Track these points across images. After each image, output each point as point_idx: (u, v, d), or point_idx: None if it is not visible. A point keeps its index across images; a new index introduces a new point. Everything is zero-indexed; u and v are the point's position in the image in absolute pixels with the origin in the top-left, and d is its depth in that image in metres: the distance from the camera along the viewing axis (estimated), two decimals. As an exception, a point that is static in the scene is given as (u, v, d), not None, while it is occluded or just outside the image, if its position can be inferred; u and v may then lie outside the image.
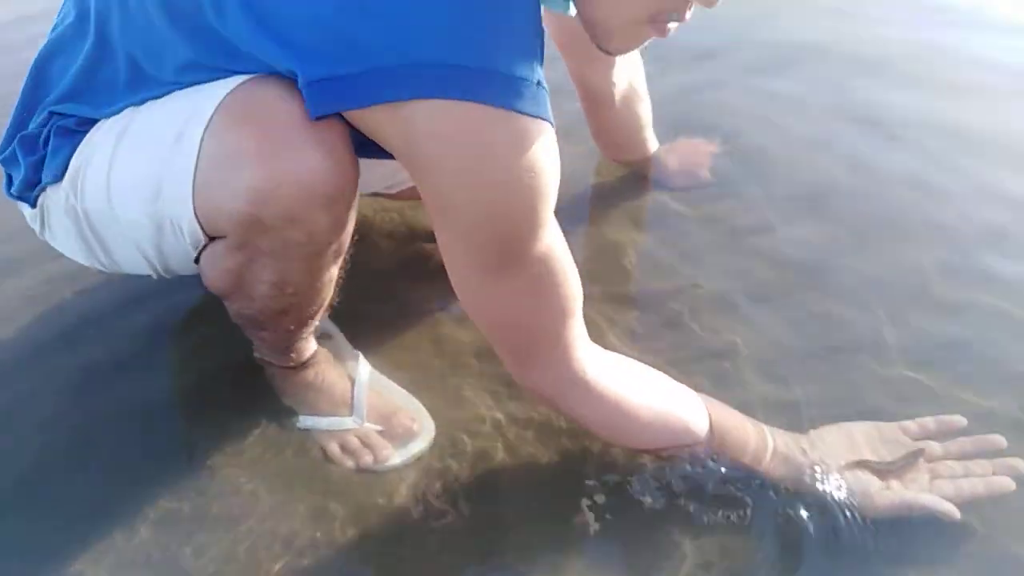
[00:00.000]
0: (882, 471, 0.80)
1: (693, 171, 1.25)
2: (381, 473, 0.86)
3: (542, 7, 0.65)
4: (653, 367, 0.82)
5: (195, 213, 0.69)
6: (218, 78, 0.68)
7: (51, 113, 0.76)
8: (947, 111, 1.38)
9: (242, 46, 0.64)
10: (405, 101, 0.59)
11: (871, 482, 0.80)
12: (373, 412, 0.90)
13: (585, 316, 0.76)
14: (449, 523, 0.81)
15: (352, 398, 0.91)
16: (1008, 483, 0.79)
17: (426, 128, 0.60)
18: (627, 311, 1.03)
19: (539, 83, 0.62)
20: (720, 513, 0.80)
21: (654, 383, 0.82)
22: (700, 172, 1.26)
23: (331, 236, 0.72)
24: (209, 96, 0.67)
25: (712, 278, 1.06)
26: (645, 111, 1.21)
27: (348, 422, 0.89)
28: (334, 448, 0.88)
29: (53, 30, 0.79)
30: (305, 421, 0.90)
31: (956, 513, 0.77)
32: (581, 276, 0.74)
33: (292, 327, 0.85)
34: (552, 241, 0.69)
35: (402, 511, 0.82)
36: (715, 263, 1.09)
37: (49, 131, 0.76)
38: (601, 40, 0.69)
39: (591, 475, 0.84)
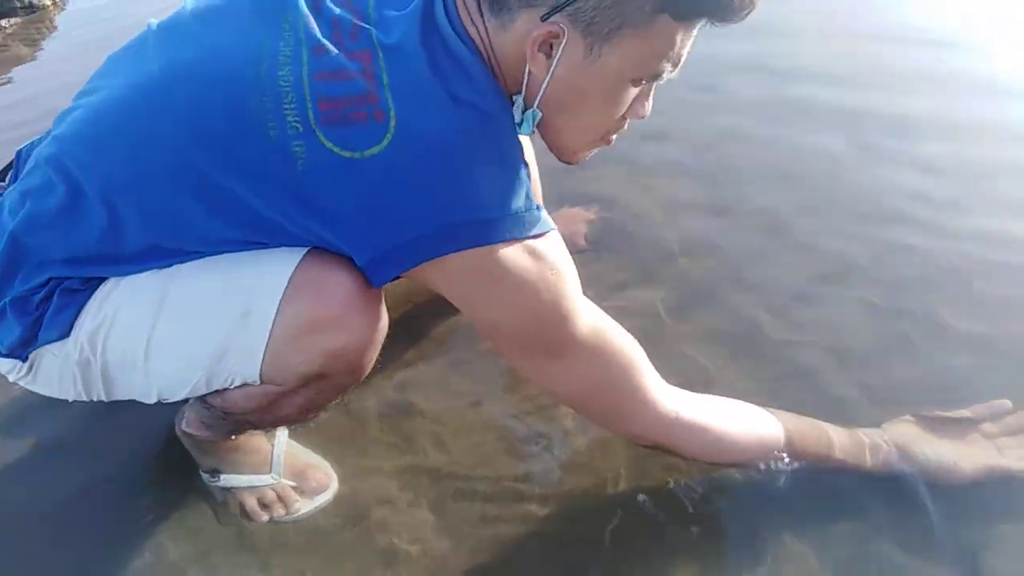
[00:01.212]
0: (956, 447, 0.93)
1: (573, 239, 1.42)
2: (292, 522, 0.99)
3: None
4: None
5: (261, 370, 0.82)
6: (248, 248, 0.80)
7: (50, 278, 0.83)
8: (792, 174, 1.59)
9: (289, 227, 0.77)
10: (443, 256, 0.75)
11: (951, 455, 0.94)
12: (288, 469, 1.03)
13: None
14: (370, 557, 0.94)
15: (271, 458, 1.04)
16: None
17: (461, 272, 0.77)
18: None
19: (537, 206, 0.79)
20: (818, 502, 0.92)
21: (727, 406, 0.96)
22: (579, 239, 1.43)
23: (368, 369, 0.88)
24: (269, 274, 0.79)
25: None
26: (536, 187, 1.36)
27: (267, 479, 1.02)
28: (252, 504, 1.01)
29: (22, 199, 0.84)
30: (228, 480, 1.02)
31: None
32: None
33: (282, 426, 1.00)
34: (590, 319, 0.84)
35: (313, 550, 0.96)
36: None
37: (49, 291, 0.83)
38: (565, 157, 0.89)
39: (490, 508, 0.98)
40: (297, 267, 0.79)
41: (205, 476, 1.03)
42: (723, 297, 1.27)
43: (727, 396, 0.98)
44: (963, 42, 2.07)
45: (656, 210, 1.50)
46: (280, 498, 1.01)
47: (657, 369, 0.89)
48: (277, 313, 0.78)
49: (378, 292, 0.83)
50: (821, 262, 1.33)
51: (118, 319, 0.82)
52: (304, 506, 1.00)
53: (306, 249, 0.80)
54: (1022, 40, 2.06)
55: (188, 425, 0.99)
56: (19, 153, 0.92)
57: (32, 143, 0.91)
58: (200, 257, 0.81)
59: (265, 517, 1.00)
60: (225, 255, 0.81)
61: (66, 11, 3.47)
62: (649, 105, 0.84)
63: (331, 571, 0.93)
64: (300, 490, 1.02)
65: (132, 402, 0.99)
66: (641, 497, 0.97)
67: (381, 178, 0.72)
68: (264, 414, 0.89)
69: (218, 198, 0.77)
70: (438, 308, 1.27)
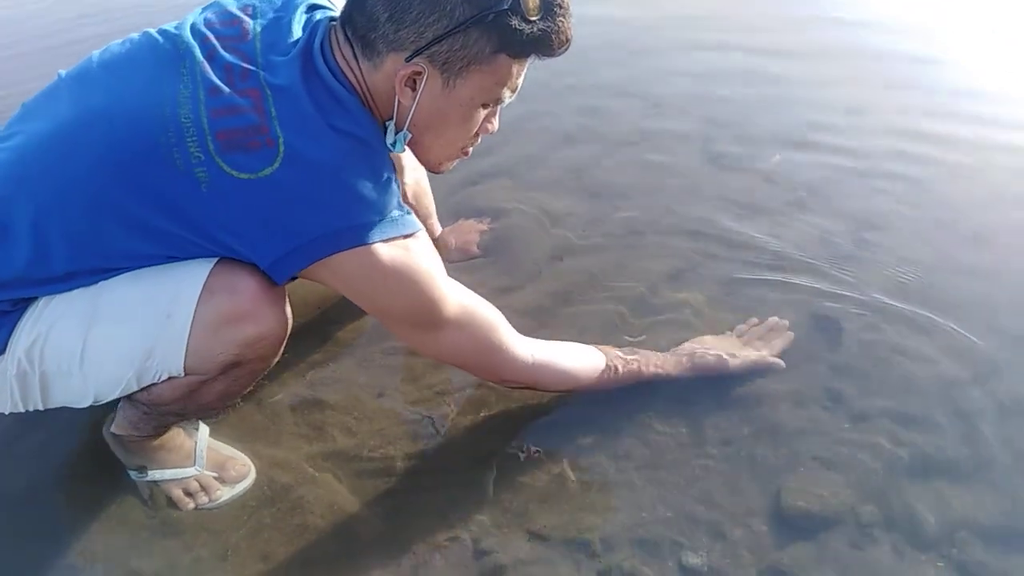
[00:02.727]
0: (725, 351, 1.28)
1: (466, 248, 1.59)
2: (215, 508, 1.12)
3: None
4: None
5: (184, 363, 0.96)
6: (165, 262, 0.94)
7: None
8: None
9: (198, 240, 0.91)
10: (329, 256, 0.91)
11: (724, 355, 1.27)
12: (210, 462, 1.17)
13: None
14: (288, 533, 1.08)
15: (195, 452, 1.17)
16: (790, 335, 1.33)
17: (348, 269, 0.94)
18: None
19: (407, 211, 0.97)
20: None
21: (567, 346, 1.20)
22: (471, 248, 1.60)
23: (276, 358, 1.04)
24: (185, 281, 0.93)
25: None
26: (430, 204, 1.54)
27: (191, 471, 1.15)
28: (178, 493, 1.14)
29: None
30: (153, 474, 1.14)
31: (781, 363, 1.28)
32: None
33: (200, 416, 1.13)
34: (459, 296, 1.04)
35: (235, 530, 1.09)
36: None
37: None
38: (432, 168, 1.08)
39: (391, 484, 1.14)
40: (210, 273, 0.93)
41: (132, 473, 1.15)
42: (591, 297, 1.47)
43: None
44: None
45: (538, 221, 1.69)
46: (203, 487, 1.14)
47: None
48: (195, 312, 0.93)
49: (282, 290, 0.99)
50: (671, 263, 1.54)
51: (52, 332, 0.95)
52: (225, 493, 1.14)
53: (216, 259, 0.94)
54: None
55: (116, 427, 1.11)
56: None
57: None
58: (122, 272, 0.94)
59: (191, 504, 1.13)
60: (146, 269, 0.94)
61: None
62: (496, 123, 1.05)
63: (252, 546, 1.07)
64: (221, 480, 1.15)
65: (57, 411, 1.10)
66: (511, 450, 1.17)
67: (274, 194, 0.88)
68: (188, 402, 1.03)
69: (132, 222, 0.90)
70: (344, 313, 1.44)
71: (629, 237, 1.63)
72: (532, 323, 1.39)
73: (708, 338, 1.32)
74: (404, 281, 0.96)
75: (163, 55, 0.93)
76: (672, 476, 1.12)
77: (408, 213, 0.97)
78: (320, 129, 0.89)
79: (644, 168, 1.87)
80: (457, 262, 1.57)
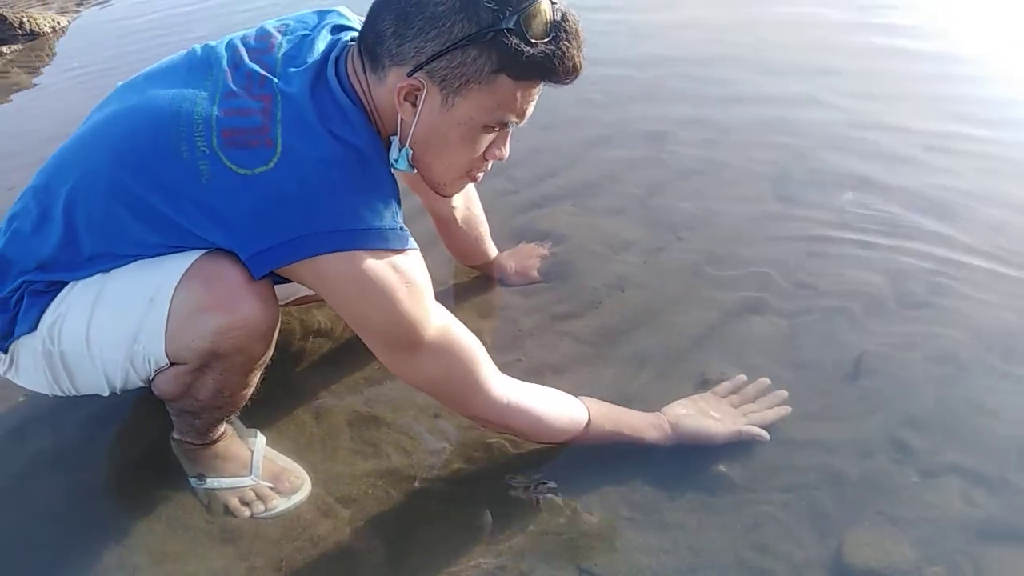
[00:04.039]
0: (712, 418, 1.21)
1: (526, 272, 1.59)
2: (270, 518, 1.14)
3: (393, 170, 1.01)
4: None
5: (165, 350, 0.99)
6: (169, 252, 0.97)
7: (23, 281, 1.02)
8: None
9: (195, 231, 0.94)
10: (315, 256, 0.93)
11: (708, 425, 1.19)
12: (266, 472, 1.19)
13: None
14: (341, 547, 1.09)
15: (251, 462, 1.20)
16: (786, 409, 1.24)
17: (331, 273, 0.95)
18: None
19: (401, 227, 0.98)
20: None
21: (546, 393, 1.15)
22: (531, 272, 1.59)
23: (264, 354, 1.06)
24: (171, 269, 0.97)
25: (531, 353, 1.40)
26: (482, 225, 1.53)
27: (247, 480, 1.18)
28: (234, 502, 1.16)
29: (9, 223, 1.05)
30: (212, 483, 1.17)
31: (766, 435, 1.19)
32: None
33: (220, 416, 1.15)
34: (441, 322, 1.03)
35: (289, 541, 1.11)
36: (535, 343, 1.42)
37: (22, 293, 1.03)
38: (437, 190, 1.08)
39: (429, 502, 1.15)
40: (193, 262, 0.96)
41: (192, 481, 1.18)
42: (652, 328, 1.45)
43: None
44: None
45: (600, 248, 1.67)
46: (259, 497, 1.16)
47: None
48: (173, 298, 0.96)
49: (264, 284, 0.99)
50: (735, 299, 1.51)
51: (68, 313, 1.01)
52: (281, 504, 1.15)
53: (205, 250, 0.97)
54: None
55: (175, 430, 1.17)
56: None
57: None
58: (134, 260, 0.99)
59: (246, 513, 1.15)
60: (149, 259, 0.98)
61: (67, 35, 3.62)
62: (506, 149, 1.03)
63: (306, 559, 1.08)
64: (277, 491, 1.17)
65: (121, 416, 1.15)
66: (562, 477, 1.15)
67: (266, 191, 0.90)
68: (188, 399, 1.06)
69: (143, 209, 0.95)
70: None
71: (692, 268, 1.60)
72: (589, 352, 1.39)
73: (695, 400, 1.24)
74: (384, 296, 0.95)
75: (195, 64, 1.01)
76: (728, 521, 1.09)
77: (403, 230, 0.98)
78: (319, 134, 0.92)
79: (710, 197, 1.84)
80: (515, 286, 1.57)
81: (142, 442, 1.27)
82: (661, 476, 1.16)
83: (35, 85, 3.05)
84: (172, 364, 1.01)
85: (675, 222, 1.75)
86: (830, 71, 2.45)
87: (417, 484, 1.18)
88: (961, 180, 1.83)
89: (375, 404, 1.32)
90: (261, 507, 1.15)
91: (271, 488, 1.17)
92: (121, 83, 1.08)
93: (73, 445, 1.28)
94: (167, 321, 0.96)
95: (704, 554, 1.05)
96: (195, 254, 0.97)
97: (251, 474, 1.18)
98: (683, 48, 2.72)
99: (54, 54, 3.41)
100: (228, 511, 1.15)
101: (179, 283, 0.95)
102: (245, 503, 1.16)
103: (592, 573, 1.04)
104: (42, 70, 3.21)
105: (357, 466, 1.21)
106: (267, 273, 0.96)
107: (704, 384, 1.31)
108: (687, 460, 1.17)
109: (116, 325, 1.00)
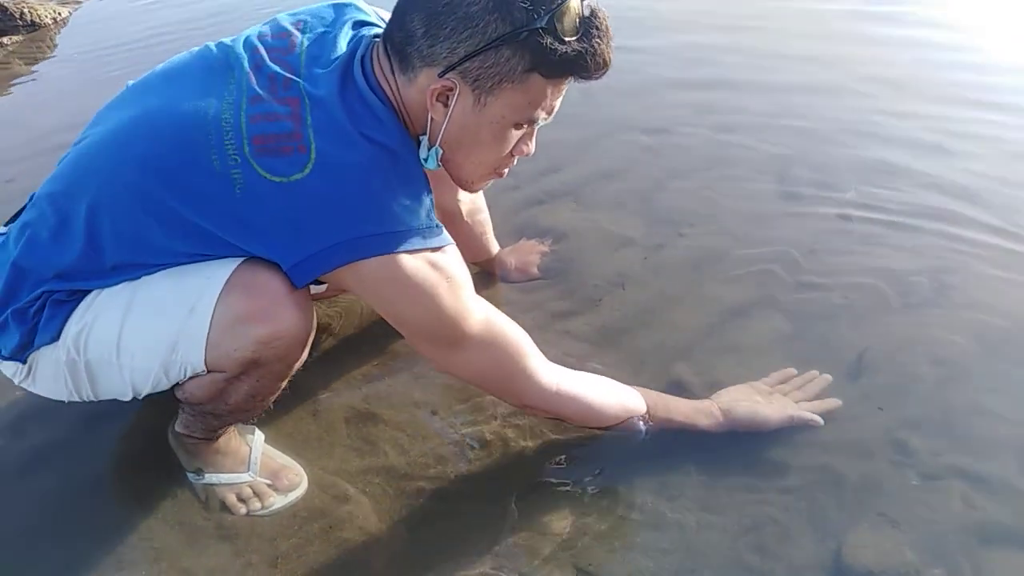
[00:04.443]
0: (763, 404, 1.21)
1: (526, 268, 1.58)
2: (267, 515, 1.14)
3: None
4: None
5: (205, 359, 0.98)
6: (199, 260, 0.97)
7: (43, 291, 1.00)
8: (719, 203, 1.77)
9: (229, 239, 0.94)
10: (355, 262, 0.92)
11: (761, 410, 1.20)
12: (264, 469, 1.19)
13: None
14: (337, 544, 1.09)
15: (249, 459, 1.19)
16: (836, 402, 1.24)
17: (371, 277, 0.95)
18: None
19: (437, 224, 0.98)
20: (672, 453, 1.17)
21: (598, 380, 1.17)
22: (532, 269, 1.59)
23: (300, 360, 1.06)
24: (210, 278, 0.96)
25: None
26: (485, 221, 1.53)
27: (245, 476, 1.17)
28: (231, 498, 1.16)
29: (22, 230, 1.02)
30: (210, 478, 1.17)
31: (820, 420, 1.20)
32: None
33: (245, 418, 1.15)
34: (484, 315, 1.04)
35: (285, 539, 1.10)
36: (534, 340, 1.38)
37: (43, 303, 1.00)
38: (465, 187, 1.08)
39: (425, 502, 1.14)
40: (234, 271, 0.95)
41: (190, 475, 1.17)
42: (652, 326, 1.44)
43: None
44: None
45: (601, 245, 1.66)
46: (256, 494, 1.16)
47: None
48: (215, 308, 0.95)
49: (303, 293, 0.99)
50: (736, 297, 1.50)
51: (96, 322, 1.00)
52: (278, 501, 1.15)
53: (243, 258, 0.96)
54: None
55: (178, 425, 1.16)
56: (30, 196, 1.09)
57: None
58: (162, 269, 0.98)
59: (243, 510, 1.14)
60: (181, 266, 0.98)
61: (68, 26, 3.61)
62: (533, 145, 1.03)
63: (301, 557, 1.08)
64: (274, 487, 1.17)
65: (120, 411, 1.14)
66: (564, 480, 1.14)
67: (303, 198, 0.90)
68: (218, 403, 1.05)
69: (171, 219, 0.94)
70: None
71: (694, 265, 1.59)
72: (589, 350, 1.38)
73: (744, 387, 1.25)
74: (426, 294, 0.96)
75: (215, 65, 0.98)
76: (728, 521, 1.08)
77: (439, 227, 0.98)
78: (352, 137, 0.91)
79: (712, 194, 1.83)
80: (516, 283, 1.56)
81: (138, 436, 1.27)
82: (660, 476, 1.15)
83: (35, 77, 3.03)
84: (208, 372, 1.01)
85: (676, 218, 1.74)
86: (837, 61, 2.45)
87: (414, 482, 1.17)
88: (962, 175, 1.82)
89: (373, 401, 1.31)
90: (258, 504, 1.15)
91: (268, 485, 1.16)
92: (132, 82, 1.05)
93: (69, 439, 1.28)
94: (208, 331, 0.96)
95: (703, 555, 1.04)
96: (232, 263, 0.96)
97: (249, 471, 1.17)
98: (688, 41, 2.71)
99: (55, 45, 3.40)
100: (225, 507, 1.15)
101: (220, 293, 0.95)
102: (242, 500, 1.15)
103: (590, 573, 1.03)
104: (43, 61, 3.20)
105: (354, 463, 1.21)
106: (309, 282, 0.96)
107: (707, 385, 1.30)
108: (686, 460, 1.17)
109: (151, 334, 0.98)
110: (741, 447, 1.18)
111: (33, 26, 3.54)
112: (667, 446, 1.18)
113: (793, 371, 1.30)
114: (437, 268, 0.96)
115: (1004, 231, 1.63)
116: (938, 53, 2.50)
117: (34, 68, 3.12)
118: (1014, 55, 2.49)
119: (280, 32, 1.01)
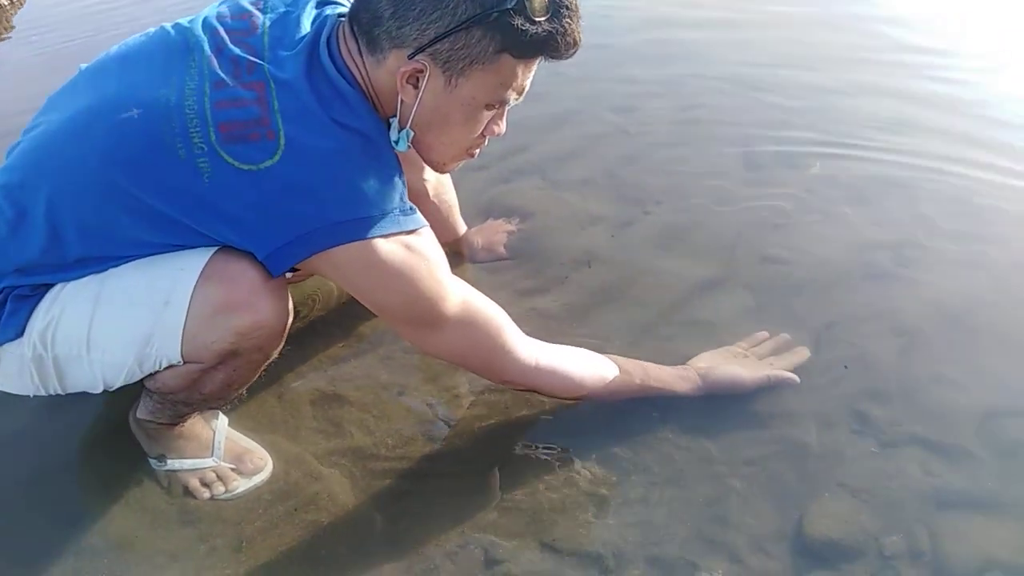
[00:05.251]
0: (739, 367, 1.24)
1: (493, 248, 1.58)
2: (231, 499, 1.13)
3: None
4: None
5: (181, 351, 0.96)
6: (169, 251, 0.95)
7: (4, 287, 0.97)
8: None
9: (200, 229, 0.92)
10: (327, 250, 0.91)
11: (736, 372, 1.23)
12: (228, 454, 1.17)
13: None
14: (302, 527, 1.08)
15: (213, 443, 1.18)
16: (805, 351, 1.28)
17: (348, 262, 0.94)
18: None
19: (411, 207, 0.97)
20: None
21: (574, 352, 1.17)
22: (499, 248, 1.58)
23: (277, 349, 1.04)
24: (184, 269, 0.94)
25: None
26: (452, 201, 1.52)
27: (208, 461, 1.16)
28: (195, 483, 1.14)
29: None
30: (173, 463, 1.15)
31: (796, 378, 1.23)
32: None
33: (216, 406, 1.13)
34: (461, 294, 1.03)
35: (249, 523, 1.10)
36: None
37: (3, 298, 0.97)
38: (436, 168, 1.07)
39: (394, 477, 1.14)
40: (208, 262, 0.94)
41: (152, 462, 1.16)
42: (619, 303, 1.44)
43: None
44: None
45: (567, 223, 1.66)
46: (220, 478, 1.14)
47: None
48: (191, 300, 0.93)
49: (280, 281, 0.98)
50: (703, 271, 1.50)
51: (63, 317, 0.97)
52: (242, 485, 1.14)
53: (216, 248, 0.95)
54: None
55: (140, 412, 1.14)
56: None
57: None
58: (129, 260, 0.96)
59: (207, 494, 1.13)
60: (150, 257, 0.96)
61: (24, 7, 3.51)
62: (504, 125, 1.02)
63: (266, 540, 1.07)
64: (238, 471, 1.15)
65: (81, 399, 1.12)
66: (528, 456, 1.16)
67: (274, 186, 0.88)
68: (192, 392, 1.04)
69: (139, 209, 0.91)
70: (368, 308, 1.42)
71: (660, 242, 1.59)
72: (556, 328, 1.38)
73: (719, 352, 1.28)
74: (402, 278, 0.95)
75: (174, 49, 0.95)
76: (690, 494, 1.09)
77: (412, 210, 0.97)
78: (321, 122, 0.89)
79: (678, 171, 1.83)
80: (483, 262, 1.55)
81: (99, 423, 1.25)
82: (624, 451, 1.16)
83: (-8, 59, 2.96)
84: (184, 363, 0.99)
85: (643, 196, 1.74)
86: (805, 44, 2.45)
87: (380, 462, 1.17)
88: (925, 147, 1.84)
89: (339, 383, 1.30)
90: (221, 488, 1.14)
91: (232, 469, 1.15)
92: (86, 65, 1.02)
93: (28, 427, 1.25)
94: (185, 322, 0.94)
95: (665, 528, 1.05)
96: (206, 252, 0.94)
97: (213, 455, 1.16)
98: (656, 19, 2.69)
99: (12, 27, 3.31)
100: (188, 492, 1.14)
101: (196, 284, 0.93)
102: (205, 484, 1.14)
103: (555, 548, 1.04)
104: (-1, 44, 3.12)
105: (320, 445, 1.20)
106: (285, 270, 0.94)
107: (674, 361, 1.29)
108: (650, 434, 1.17)
109: (124, 328, 0.96)
110: (705, 419, 1.19)
111: (-11, 7, 3.44)
112: (631, 422, 1.19)
113: (765, 334, 1.32)
114: (413, 251, 0.95)
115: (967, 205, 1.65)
116: (894, 32, 2.51)
117: (-10, 49, 3.04)
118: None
119: (240, 13, 0.98)
